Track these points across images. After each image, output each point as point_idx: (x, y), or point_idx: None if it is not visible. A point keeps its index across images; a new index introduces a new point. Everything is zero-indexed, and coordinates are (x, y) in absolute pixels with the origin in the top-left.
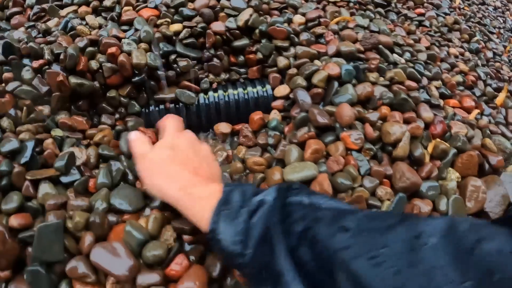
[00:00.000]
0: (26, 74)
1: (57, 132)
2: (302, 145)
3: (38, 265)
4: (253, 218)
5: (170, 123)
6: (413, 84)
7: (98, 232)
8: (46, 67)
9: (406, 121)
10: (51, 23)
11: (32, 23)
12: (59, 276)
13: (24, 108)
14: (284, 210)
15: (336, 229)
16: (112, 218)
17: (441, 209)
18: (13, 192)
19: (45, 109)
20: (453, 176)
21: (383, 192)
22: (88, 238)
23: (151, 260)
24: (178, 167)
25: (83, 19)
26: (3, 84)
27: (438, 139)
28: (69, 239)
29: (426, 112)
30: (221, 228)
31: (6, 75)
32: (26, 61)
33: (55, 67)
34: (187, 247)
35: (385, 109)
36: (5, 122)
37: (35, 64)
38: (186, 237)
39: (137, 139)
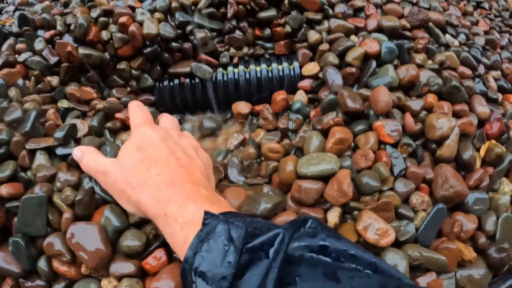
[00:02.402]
0: (38, 45)
1: (63, 104)
2: (326, 132)
3: (20, 237)
4: (242, 276)
5: (134, 115)
6: (467, 71)
7: (83, 211)
8: (57, 37)
9: (456, 115)
10: None
11: None
12: (39, 251)
13: (32, 78)
14: (288, 271)
15: None
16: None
17: (488, 229)
18: (9, 161)
19: (54, 80)
20: (506, 188)
21: (418, 200)
22: (66, 214)
23: (125, 251)
24: (147, 174)
25: None
26: (17, 55)
27: (493, 141)
28: (54, 214)
29: (482, 107)
30: (198, 269)
31: (19, 46)
32: (40, 32)
33: (67, 38)
34: None
35: (431, 98)
36: (12, 92)
37: (47, 34)
38: None
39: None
